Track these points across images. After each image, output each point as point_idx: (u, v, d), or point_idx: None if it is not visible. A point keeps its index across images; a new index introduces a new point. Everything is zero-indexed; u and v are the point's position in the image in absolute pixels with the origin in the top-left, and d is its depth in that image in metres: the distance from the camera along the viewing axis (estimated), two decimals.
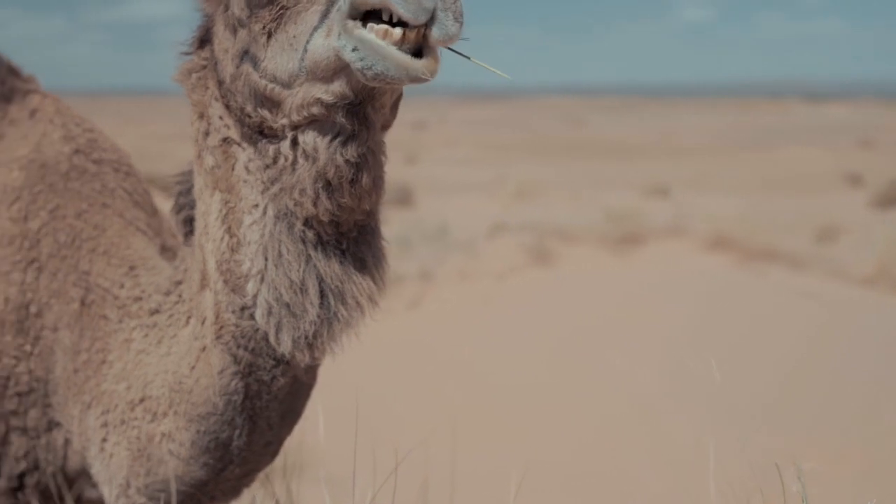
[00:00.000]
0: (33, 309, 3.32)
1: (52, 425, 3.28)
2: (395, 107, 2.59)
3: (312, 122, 2.45)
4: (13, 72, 4.10)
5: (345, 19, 2.27)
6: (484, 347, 11.73)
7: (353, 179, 2.49)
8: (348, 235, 2.61)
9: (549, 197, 30.67)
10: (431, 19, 2.20)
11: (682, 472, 7.89)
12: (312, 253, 2.59)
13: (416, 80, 2.25)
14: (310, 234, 2.59)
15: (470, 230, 18.99)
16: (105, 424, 3.11)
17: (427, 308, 13.58)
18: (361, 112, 2.42)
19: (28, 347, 3.28)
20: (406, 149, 56.88)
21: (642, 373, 10.76)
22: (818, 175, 40.18)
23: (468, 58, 2.51)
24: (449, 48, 2.40)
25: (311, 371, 2.98)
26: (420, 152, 55.04)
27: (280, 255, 2.61)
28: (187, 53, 2.90)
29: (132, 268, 3.27)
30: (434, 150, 57.99)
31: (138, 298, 3.19)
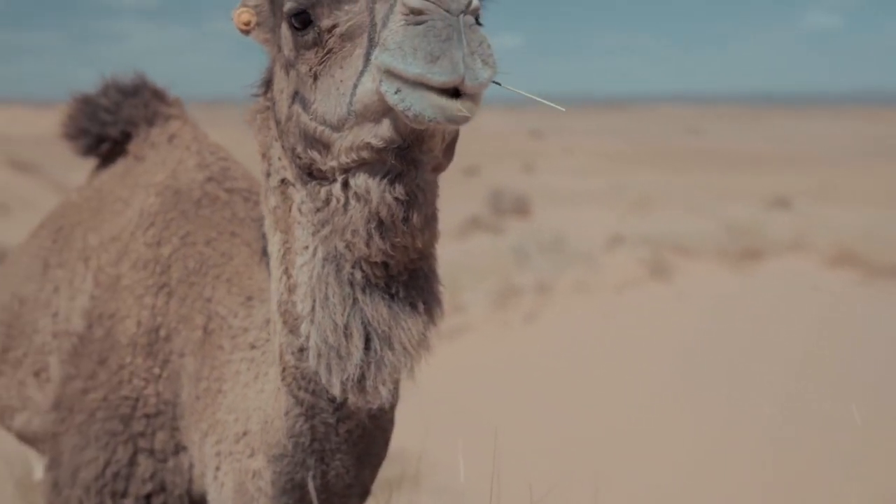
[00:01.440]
0: (163, 333, 3.40)
1: (178, 449, 3.34)
2: (448, 150, 2.56)
3: (362, 165, 2.43)
4: (158, 95, 4.25)
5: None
6: (602, 362, 11.67)
7: (404, 217, 2.46)
8: (398, 279, 2.57)
9: (667, 208, 30.30)
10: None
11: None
12: (359, 296, 2.57)
13: (454, 120, 2.21)
14: (358, 277, 2.56)
15: (587, 241, 18.91)
16: (218, 454, 3.16)
17: (544, 321, 13.59)
18: (409, 154, 2.39)
19: (157, 370, 3.36)
20: (523, 158, 56.84)
21: (762, 401, 10.57)
22: None
23: (518, 92, 2.50)
24: (496, 83, 2.37)
25: (383, 414, 2.95)
26: (537, 161, 54.93)
27: (326, 297, 2.59)
28: (256, 95, 2.92)
29: (249, 298, 3.31)
30: (551, 159, 57.78)
31: (245, 330, 3.22)
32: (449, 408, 11.01)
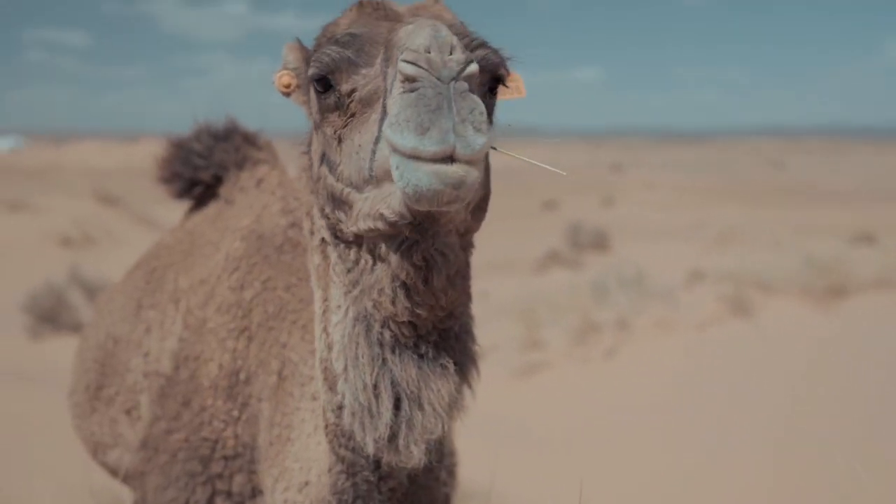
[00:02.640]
0: (242, 376, 3.45)
1: (255, 492, 3.36)
2: (478, 211, 2.58)
3: (379, 235, 2.45)
4: (248, 140, 4.35)
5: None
6: (684, 401, 11.53)
7: (424, 279, 2.46)
8: (427, 339, 2.57)
9: (749, 244, 29.93)
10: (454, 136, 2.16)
11: None
12: (388, 356, 2.56)
13: (450, 184, 2.18)
14: (387, 337, 2.56)
15: (667, 277, 18.74)
16: (286, 501, 3.16)
17: (624, 358, 13.47)
18: (422, 227, 2.40)
19: (236, 413, 3.41)
20: (602, 192, 56.64)
21: (849, 440, 10.33)
22: None
23: (517, 157, 2.55)
24: (496, 149, 2.40)
25: (428, 473, 2.92)
26: (617, 195, 54.69)
27: (357, 356, 2.59)
28: (303, 153, 2.96)
29: None
30: (631, 194, 57.48)
31: (311, 379, 3.22)
32: (526, 444, 10.95)
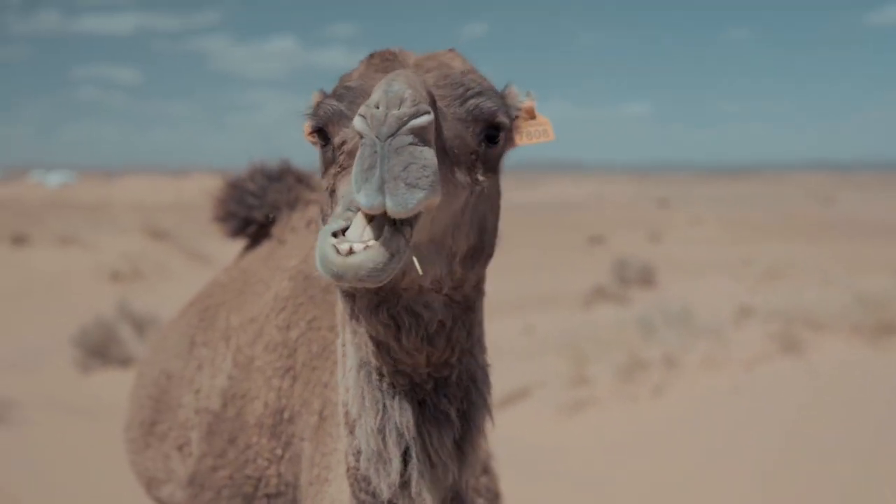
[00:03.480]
0: (286, 415, 3.47)
1: None
2: (469, 261, 2.56)
3: (349, 291, 2.50)
4: (301, 180, 4.42)
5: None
6: (732, 440, 11.40)
7: (396, 338, 2.48)
8: (424, 387, 2.57)
9: (798, 280, 29.65)
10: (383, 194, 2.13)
11: None
12: (388, 402, 2.57)
13: (340, 279, 2.15)
14: (385, 385, 2.58)
15: (715, 313, 18.58)
16: None
17: (672, 396, 13.36)
18: (382, 289, 2.41)
19: (279, 451, 3.43)
20: (649, 227, 56.40)
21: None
22: None
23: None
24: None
25: None
26: (664, 230, 54.44)
27: (363, 402, 2.62)
28: None
29: None
30: (678, 229, 57.19)
31: None
32: (572, 482, 10.88)
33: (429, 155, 2.16)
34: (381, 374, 2.59)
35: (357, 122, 2.18)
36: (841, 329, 15.95)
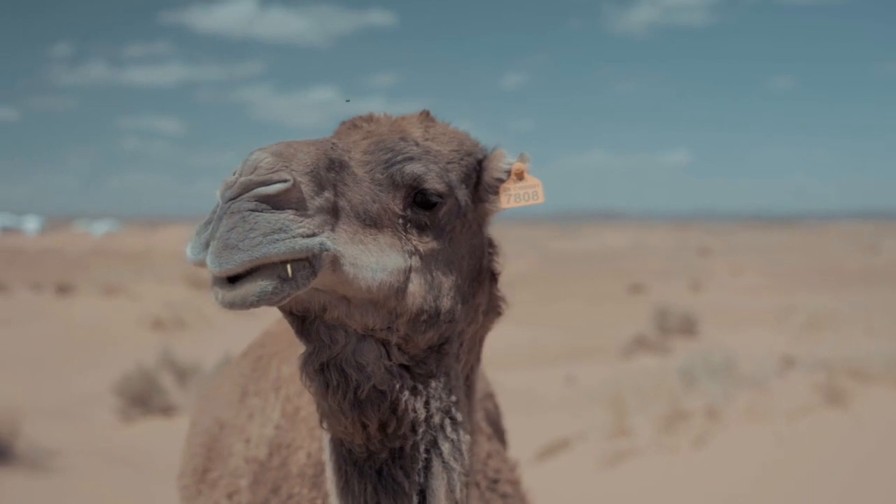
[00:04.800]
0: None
1: None
2: (417, 324, 2.56)
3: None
4: None
5: None
6: (776, 493, 11.25)
7: (324, 397, 2.52)
8: (379, 455, 2.57)
9: (842, 330, 29.35)
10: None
11: None
12: (349, 469, 2.60)
13: (231, 307, 2.29)
14: (345, 452, 2.61)
15: (758, 364, 18.41)
16: None
17: (714, 447, 13.21)
18: (305, 326, 2.53)
19: (320, 502, 3.41)
20: (690, 275, 56.06)
21: None
22: None
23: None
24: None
25: None
26: (705, 279, 54.08)
27: (330, 465, 2.67)
28: None
29: None
30: (719, 278, 56.79)
31: None
32: None
33: (268, 220, 2.26)
34: (338, 442, 2.62)
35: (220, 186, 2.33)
36: (886, 379, 15.74)
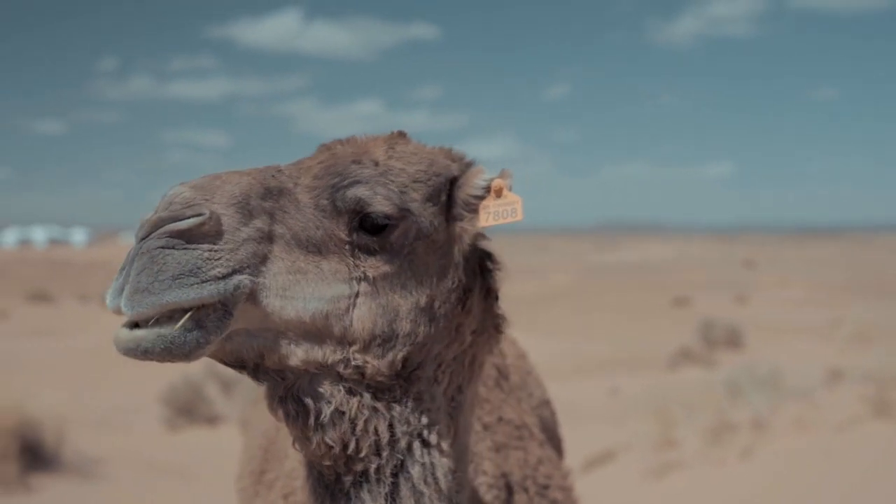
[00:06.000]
0: None
1: None
2: (374, 348, 2.50)
3: None
4: None
5: None
6: None
7: (286, 424, 2.50)
8: (345, 479, 2.54)
9: (890, 342, 29.02)
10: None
11: None
12: (321, 490, 2.57)
13: (125, 351, 2.25)
14: (316, 474, 2.59)
15: (805, 376, 18.26)
16: None
17: (761, 459, 13.08)
18: (252, 373, 2.49)
19: None
20: (735, 288, 55.69)
21: None
22: None
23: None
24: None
25: None
26: (749, 292, 53.71)
27: (306, 486, 2.66)
28: None
29: None
30: (764, 290, 56.39)
31: None
32: None
33: (179, 259, 2.22)
34: (312, 465, 2.60)
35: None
36: None
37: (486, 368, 3.63)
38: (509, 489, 3.38)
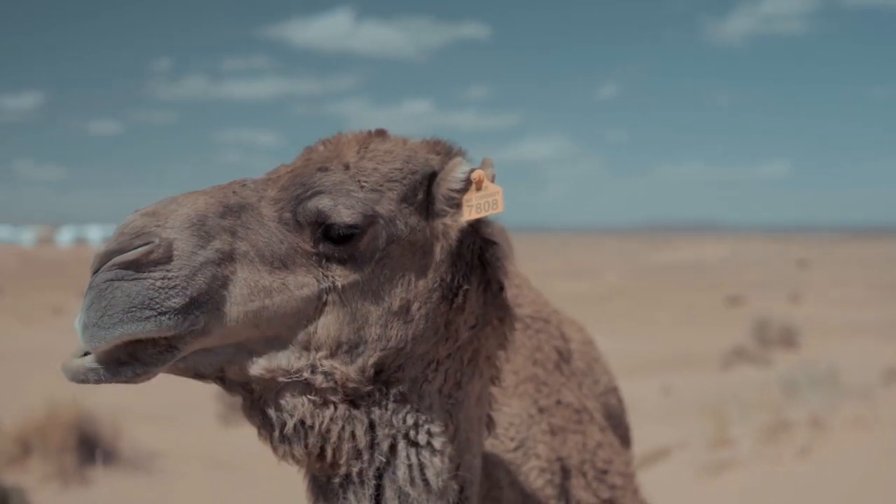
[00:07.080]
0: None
1: None
2: (341, 354, 2.46)
3: None
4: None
5: None
6: (883, 503, 10.96)
7: (258, 434, 2.50)
8: (334, 482, 2.53)
9: None
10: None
11: None
12: (316, 490, 2.58)
13: (74, 378, 2.28)
14: (310, 476, 2.60)
15: (862, 375, 18.00)
16: None
17: (819, 458, 12.92)
18: (219, 384, 2.47)
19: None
20: (789, 287, 55.12)
21: None
22: None
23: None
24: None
25: None
26: (804, 291, 53.12)
27: (306, 491, 2.66)
28: None
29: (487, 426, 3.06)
30: (819, 289, 55.73)
31: None
32: None
33: (129, 292, 2.22)
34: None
35: None
36: None
37: (545, 352, 3.58)
38: (565, 473, 3.33)
